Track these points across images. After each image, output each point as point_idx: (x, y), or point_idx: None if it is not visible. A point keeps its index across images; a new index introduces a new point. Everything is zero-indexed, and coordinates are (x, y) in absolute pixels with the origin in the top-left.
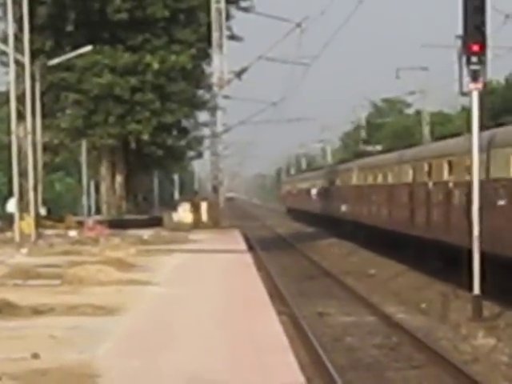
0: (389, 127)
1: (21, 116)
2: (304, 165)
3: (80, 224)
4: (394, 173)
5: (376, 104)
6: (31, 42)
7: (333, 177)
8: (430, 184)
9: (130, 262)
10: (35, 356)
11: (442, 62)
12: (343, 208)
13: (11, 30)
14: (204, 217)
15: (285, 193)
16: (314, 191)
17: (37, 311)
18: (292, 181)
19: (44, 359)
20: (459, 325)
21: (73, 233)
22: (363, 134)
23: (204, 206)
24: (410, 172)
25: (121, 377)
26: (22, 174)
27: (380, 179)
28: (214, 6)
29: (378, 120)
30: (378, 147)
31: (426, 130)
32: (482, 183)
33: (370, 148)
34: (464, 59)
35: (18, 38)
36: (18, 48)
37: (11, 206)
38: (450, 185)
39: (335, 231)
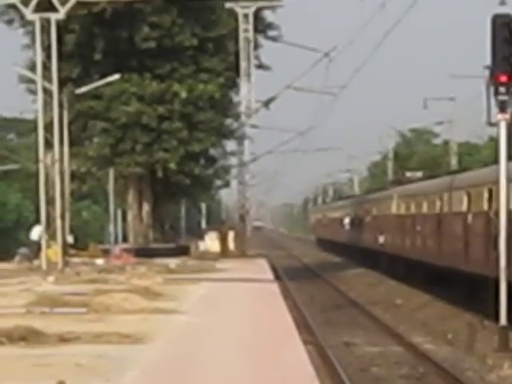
0: (416, 157)
1: (48, 144)
2: (331, 194)
3: (106, 252)
4: (444, 201)
5: (403, 134)
6: (59, 69)
7: (368, 206)
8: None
9: (156, 290)
10: None
11: (469, 93)
12: (381, 239)
13: (39, 58)
14: (231, 246)
15: (314, 222)
16: (346, 220)
17: (63, 339)
18: (322, 209)
19: None
20: (485, 355)
21: (99, 261)
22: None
23: (231, 234)
24: (465, 199)
25: None
26: (50, 202)
27: (425, 208)
28: (242, 35)
29: (405, 150)
30: (419, 174)
31: (454, 160)
32: None
33: (409, 174)
34: (492, 90)
35: (46, 66)
36: (46, 76)
37: (35, 233)
38: None
39: (369, 264)
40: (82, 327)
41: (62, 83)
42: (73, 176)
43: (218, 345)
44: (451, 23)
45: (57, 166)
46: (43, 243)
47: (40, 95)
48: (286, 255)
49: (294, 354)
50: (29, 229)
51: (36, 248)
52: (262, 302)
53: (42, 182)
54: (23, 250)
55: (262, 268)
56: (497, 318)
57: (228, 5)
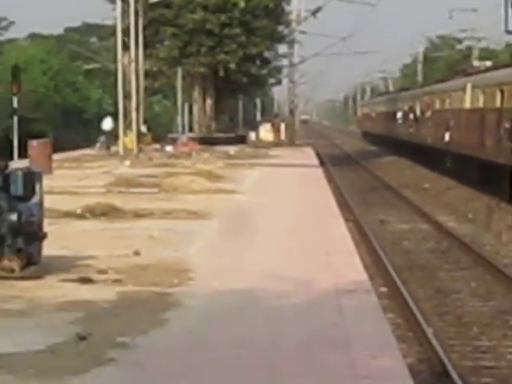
0: (442, 61)
1: (125, 46)
2: (368, 92)
3: (174, 140)
4: None
5: (431, 40)
6: None
7: (428, 99)
8: None
9: (218, 173)
10: (137, 253)
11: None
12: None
13: None
14: (282, 136)
15: (361, 116)
16: (399, 115)
17: (138, 215)
18: (371, 104)
19: (144, 256)
20: (501, 232)
21: (169, 147)
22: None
23: (282, 126)
24: None
25: (209, 272)
26: (126, 97)
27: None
28: None
29: (433, 54)
30: (488, 63)
31: (476, 63)
32: None
33: (476, 64)
34: (510, 1)
35: None
36: None
37: (106, 124)
38: None
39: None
40: (154, 205)
41: None
42: (146, 74)
43: (270, 221)
44: None
45: (132, 65)
46: (120, 132)
47: (118, 4)
48: (329, 144)
49: (336, 230)
50: (100, 121)
51: (112, 136)
52: (308, 184)
53: (119, 80)
54: (102, 138)
55: (308, 155)
56: (510, 200)
57: None
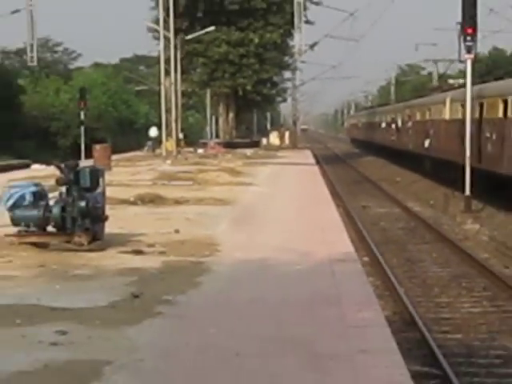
0: (409, 84)
1: (167, 72)
2: (353, 108)
3: (204, 144)
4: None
5: (401, 68)
6: (174, 23)
7: (409, 111)
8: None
9: (238, 170)
10: (176, 231)
11: (447, 40)
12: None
13: (161, 16)
14: (287, 141)
15: (349, 126)
16: (383, 125)
17: (177, 201)
18: (357, 116)
19: (182, 233)
20: (455, 215)
21: (200, 150)
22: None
23: (287, 134)
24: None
25: (232, 246)
26: (168, 111)
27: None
28: (295, 0)
29: (402, 78)
30: (461, 80)
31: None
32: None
33: (451, 81)
34: (462, 38)
35: (166, 21)
36: (166, 28)
37: (152, 132)
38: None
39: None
40: (189, 194)
41: (176, 32)
42: (183, 94)
43: (279, 205)
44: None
45: (172, 87)
46: (163, 138)
47: (162, 40)
48: (323, 148)
49: (330, 213)
50: (148, 130)
51: (157, 141)
52: (308, 178)
53: (162, 98)
54: (149, 143)
55: (307, 156)
56: (463, 190)
57: None
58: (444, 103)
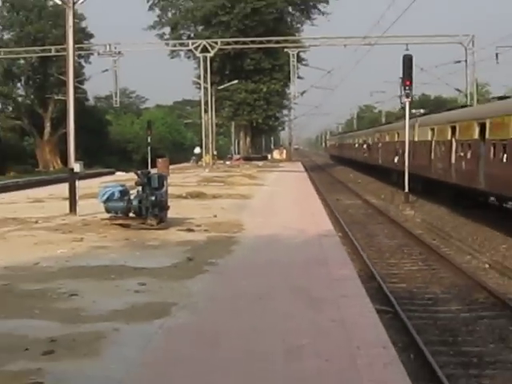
0: (366, 118)
1: (205, 111)
2: (328, 134)
3: (231, 158)
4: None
5: (361, 107)
6: (210, 78)
7: (378, 135)
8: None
9: (253, 175)
10: (215, 216)
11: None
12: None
13: (202, 73)
14: (284, 156)
15: (328, 146)
16: (356, 145)
17: (214, 196)
18: (334, 139)
19: (219, 217)
20: (398, 205)
21: (228, 162)
22: (355, 121)
23: (284, 151)
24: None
25: (252, 225)
26: (206, 136)
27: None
28: (291, 63)
29: (361, 114)
30: (422, 110)
31: (383, 120)
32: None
33: (413, 111)
34: (402, 87)
35: (205, 77)
36: (204, 81)
37: (196, 150)
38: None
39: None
40: (222, 191)
41: (211, 84)
42: (216, 125)
43: (282, 198)
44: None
45: (209, 120)
46: (203, 154)
47: (202, 89)
48: (309, 160)
49: (316, 204)
50: (193, 148)
51: (199, 157)
52: (300, 180)
53: (203, 128)
54: (194, 157)
55: (298, 166)
56: (403, 188)
57: (286, 50)
58: (413, 127)
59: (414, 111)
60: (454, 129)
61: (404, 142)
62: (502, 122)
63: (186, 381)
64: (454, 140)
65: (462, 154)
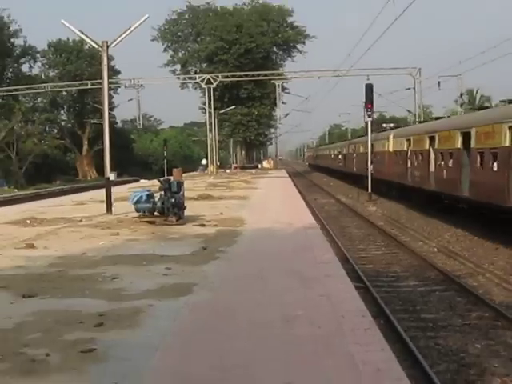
0: (335, 134)
1: (210, 130)
2: (306, 147)
3: (230, 167)
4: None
5: (331, 126)
6: (213, 104)
7: (353, 146)
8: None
9: (249, 181)
10: (221, 213)
11: (357, 110)
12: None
13: (207, 100)
14: (272, 165)
15: (307, 156)
16: (333, 155)
17: (219, 197)
18: (312, 150)
19: (224, 215)
20: (364, 202)
21: (228, 170)
22: (327, 136)
23: (272, 161)
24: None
25: (251, 221)
26: (211, 150)
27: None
28: (277, 92)
29: (332, 131)
30: (391, 125)
31: (349, 135)
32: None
33: (384, 125)
34: (365, 109)
35: (209, 103)
36: (209, 106)
37: (203, 161)
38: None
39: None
40: (225, 193)
41: (214, 109)
42: (218, 141)
43: (273, 198)
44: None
45: (213, 138)
46: (209, 165)
47: (207, 113)
48: (291, 168)
49: (300, 202)
50: (199, 160)
51: (205, 166)
52: (285, 184)
53: (208, 143)
54: (201, 167)
55: (283, 173)
56: (367, 189)
57: (272, 81)
58: (388, 139)
59: (384, 125)
60: (432, 139)
61: (378, 153)
62: (492, 130)
63: (210, 344)
64: (431, 150)
65: (442, 163)
